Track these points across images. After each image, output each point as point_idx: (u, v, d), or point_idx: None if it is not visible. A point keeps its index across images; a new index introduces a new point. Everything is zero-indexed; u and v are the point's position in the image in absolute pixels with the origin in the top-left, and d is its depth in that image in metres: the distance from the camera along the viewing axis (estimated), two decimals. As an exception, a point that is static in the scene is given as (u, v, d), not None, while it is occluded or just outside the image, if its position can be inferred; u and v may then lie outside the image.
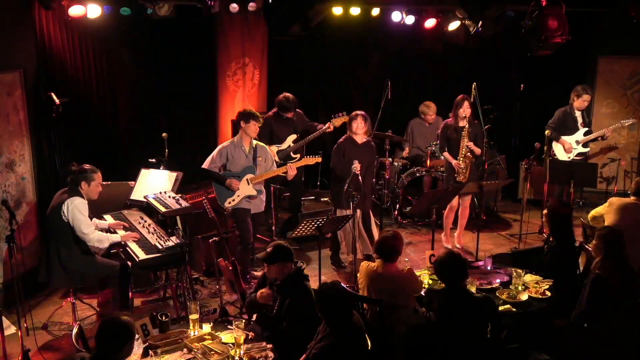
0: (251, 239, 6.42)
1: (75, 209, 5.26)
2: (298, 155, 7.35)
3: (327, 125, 7.28)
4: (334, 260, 6.91)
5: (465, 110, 6.86)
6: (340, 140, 6.60)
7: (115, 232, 5.69)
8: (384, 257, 4.69)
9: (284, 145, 7.40)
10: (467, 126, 6.87)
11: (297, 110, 7.53)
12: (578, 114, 7.80)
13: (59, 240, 5.32)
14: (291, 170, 6.35)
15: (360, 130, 6.48)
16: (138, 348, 4.05)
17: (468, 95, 6.99)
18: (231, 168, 6.30)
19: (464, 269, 4.22)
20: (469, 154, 6.90)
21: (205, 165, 6.32)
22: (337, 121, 7.24)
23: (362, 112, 6.54)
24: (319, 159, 6.62)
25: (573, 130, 7.79)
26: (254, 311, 4.70)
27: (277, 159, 7.12)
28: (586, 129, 7.78)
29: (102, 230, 5.66)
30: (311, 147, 7.70)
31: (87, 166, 5.44)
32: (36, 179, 6.49)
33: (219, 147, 6.39)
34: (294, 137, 7.42)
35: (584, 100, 7.72)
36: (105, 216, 5.94)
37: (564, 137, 7.78)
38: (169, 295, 6.06)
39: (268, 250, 4.40)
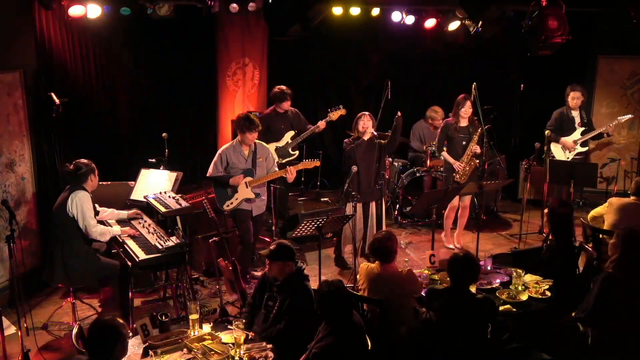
0: (251, 239, 6.42)
1: (80, 201, 5.30)
2: (297, 152, 7.34)
3: (317, 124, 7.28)
4: (338, 261, 6.89)
5: (467, 110, 6.88)
6: (347, 141, 6.51)
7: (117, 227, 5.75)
8: (380, 258, 4.70)
9: (282, 142, 7.40)
10: (479, 131, 6.86)
11: (294, 109, 7.53)
12: (575, 113, 7.79)
13: (63, 237, 5.33)
14: (290, 173, 6.31)
15: (367, 129, 6.41)
16: (138, 348, 4.06)
17: (469, 95, 7.00)
18: (230, 172, 6.31)
19: (475, 273, 4.21)
20: (474, 158, 6.90)
21: (209, 172, 6.35)
22: (335, 114, 7.24)
23: (367, 112, 6.51)
24: (317, 163, 6.58)
25: (571, 130, 7.78)
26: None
27: (276, 157, 7.11)
28: (583, 128, 7.77)
29: (117, 221, 5.84)
30: (312, 148, 7.68)
31: (83, 161, 5.45)
32: (36, 179, 6.49)
33: (219, 151, 6.39)
34: (291, 133, 7.43)
35: (572, 98, 7.72)
36: (109, 221, 5.93)
37: (563, 138, 7.78)
38: (169, 295, 6.07)
39: (271, 247, 4.43)
